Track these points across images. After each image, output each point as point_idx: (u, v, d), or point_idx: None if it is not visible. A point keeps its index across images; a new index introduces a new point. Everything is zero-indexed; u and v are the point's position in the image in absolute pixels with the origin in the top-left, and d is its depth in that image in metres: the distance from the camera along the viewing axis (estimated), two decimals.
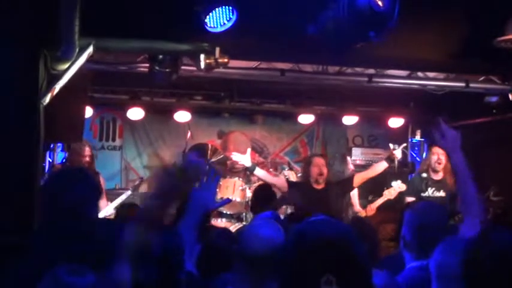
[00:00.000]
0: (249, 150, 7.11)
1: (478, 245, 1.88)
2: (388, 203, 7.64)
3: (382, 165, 6.96)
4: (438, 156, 6.83)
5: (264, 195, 6.10)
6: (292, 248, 1.71)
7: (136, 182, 8.30)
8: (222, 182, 8.08)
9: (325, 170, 6.75)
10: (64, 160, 7.92)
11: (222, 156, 9.19)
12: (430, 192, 6.91)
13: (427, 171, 7.01)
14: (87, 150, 7.08)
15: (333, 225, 1.73)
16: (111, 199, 7.36)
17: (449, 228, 3.30)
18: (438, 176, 6.95)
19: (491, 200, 7.04)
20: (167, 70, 5.68)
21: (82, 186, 2.82)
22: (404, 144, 7.19)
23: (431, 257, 2.79)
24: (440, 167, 6.88)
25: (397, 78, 6.96)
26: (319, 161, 6.86)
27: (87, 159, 7.07)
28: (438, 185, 6.92)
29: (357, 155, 9.27)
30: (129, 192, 7.54)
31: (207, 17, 4.49)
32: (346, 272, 1.59)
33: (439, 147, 6.68)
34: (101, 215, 6.47)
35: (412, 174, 8.36)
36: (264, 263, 2.64)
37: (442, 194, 6.89)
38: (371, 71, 6.93)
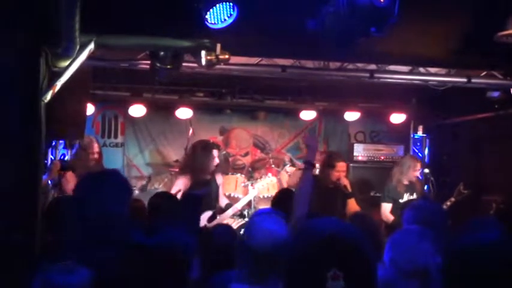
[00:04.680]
0: None
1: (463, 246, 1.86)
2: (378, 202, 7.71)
3: None
4: (419, 171, 7.41)
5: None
6: (297, 244, 1.72)
7: (144, 182, 8.29)
8: (225, 178, 8.09)
9: (344, 177, 6.91)
10: (63, 156, 7.92)
11: (224, 152, 9.21)
12: (406, 197, 7.28)
13: (398, 178, 7.34)
14: (95, 147, 7.10)
15: (337, 222, 1.75)
16: None
17: (449, 225, 3.34)
18: (408, 182, 7.35)
19: (461, 192, 7.37)
20: (168, 67, 5.67)
21: (112, 187, 2.83)
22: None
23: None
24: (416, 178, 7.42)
25: (398, 74, 6.94)
26: (342, 167, 7.00)
27: (96, 156, 7.10)
28: (410, 189, 7.32)
29: (359, 151, 9.26)
30: (136, 192, 7.45)
31: (208, 13, 4.49)
32: (352, 267, 1.59)
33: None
34: None
35: None
36: (268, 256, 2.64)
37: (414, 196, 7.28)
38: (372, 66, 6.92)
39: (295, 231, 1.78)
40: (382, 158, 9.17)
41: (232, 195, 8.18)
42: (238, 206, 7.32)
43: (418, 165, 7.41)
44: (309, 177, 4.08)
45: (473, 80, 6.78)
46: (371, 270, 1.65)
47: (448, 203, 7.26)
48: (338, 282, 1.55)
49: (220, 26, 4.56)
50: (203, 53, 5.01)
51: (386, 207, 7.21)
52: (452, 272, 1.82)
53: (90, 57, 4.72)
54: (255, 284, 2.68)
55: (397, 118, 9.43)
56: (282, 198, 5.68)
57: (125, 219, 2.83)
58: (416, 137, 9.94)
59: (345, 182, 7.02)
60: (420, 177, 7.78)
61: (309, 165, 4.16)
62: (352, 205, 6.93)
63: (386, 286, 2.46)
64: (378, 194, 8.50)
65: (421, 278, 2.74)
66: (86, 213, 2.76)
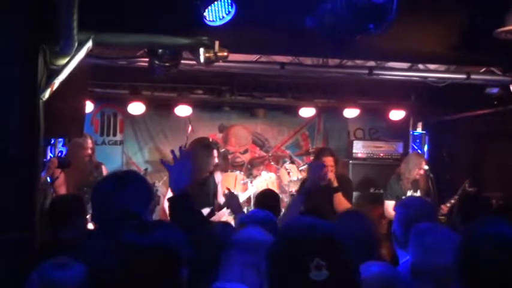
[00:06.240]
0: None
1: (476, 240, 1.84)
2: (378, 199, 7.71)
3: None
4: (422, 171, 7.30)
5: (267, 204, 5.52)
6: (279, 239, 1.72)
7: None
8: (224, 175, 8.09)
9: (331, 172, 6.81)
10: (60, 153, 7.93)
11: (223, 150, 9.20)
12: (409, 194, 7.24)
13: (403, 175, 7.32)
14: (89, 143, 7.10)
15: (315, 217, 1.74)
16: None
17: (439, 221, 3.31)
18: (413, 179, 7.33)
19: (467, 190, 7.41)
20: (167, 64, 5.67)
21: (134, 187, 2.82)
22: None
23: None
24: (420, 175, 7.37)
25: (397, 71, 6.94)
26: (329, 161, 6.90)
27: (89, 151, 7.10)
28: (414, 186, 7.28)
29: (358, 148, 9.25)
30: None
31: (206, 10, 4.48)
32: (335, 255, 1.57)
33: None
34: None
35: None
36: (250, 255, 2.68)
37: (418, 193, 7.26)
38: (371, 63, 6.92)
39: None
40: (382, 154, 9.17)
41: None
42: None
43: (423, 163, 7.40)
44: (297, 204, 4.36)
45: (472, 77, 6.78)
46: (353, 261, 1.63)
47: (453, 201, 7.25)
48: (321, 272, 1.52)
49: (218, 23, 4.56)
50: (202, 50, 5.00)
51: (389, 205, 7.18)
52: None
53: (88, 55, 4.71)
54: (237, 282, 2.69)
55: (397, 115, 9.43)
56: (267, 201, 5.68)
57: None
58: (415, 133, 9.95)
59: (331, 176, 6.88)
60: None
61: (303, 194, 4.43)
62: (339, 200, 6.78)
63: (405, 285, 2.42)
64: (377, 191, 8.51)
65: (440, 276, 2.65)
66: (107, 212, 2.75)
